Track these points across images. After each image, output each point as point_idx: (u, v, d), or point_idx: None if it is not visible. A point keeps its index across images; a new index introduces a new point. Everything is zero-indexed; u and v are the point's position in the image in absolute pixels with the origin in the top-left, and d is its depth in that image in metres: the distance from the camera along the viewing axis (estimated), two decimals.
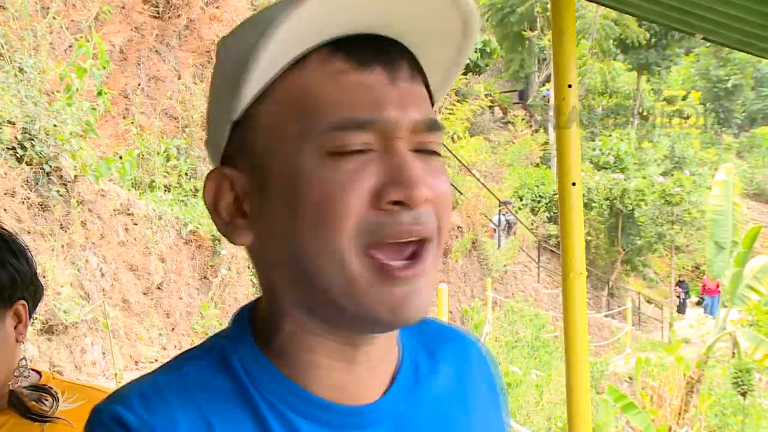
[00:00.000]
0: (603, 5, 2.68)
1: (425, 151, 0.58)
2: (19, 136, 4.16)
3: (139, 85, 6.15)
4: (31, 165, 4.20)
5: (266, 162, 0.59)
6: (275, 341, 0.62)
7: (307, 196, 0.56)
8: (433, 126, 0.59)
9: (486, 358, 0.78)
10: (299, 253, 0.58)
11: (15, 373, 1.16)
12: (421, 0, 0.58)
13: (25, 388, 1.16)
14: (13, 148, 4.13)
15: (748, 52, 2.56)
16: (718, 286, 14.10)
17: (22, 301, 1.18)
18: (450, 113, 14.06)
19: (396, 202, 0.55)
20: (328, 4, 0.54)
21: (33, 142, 4.22)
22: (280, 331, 0.62)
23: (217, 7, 7.22)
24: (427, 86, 0.62)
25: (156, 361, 4.93)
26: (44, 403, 1.15)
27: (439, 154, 0.60)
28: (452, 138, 13.52)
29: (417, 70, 0.60)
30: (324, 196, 0.55)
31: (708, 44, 22.69)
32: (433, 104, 0.65)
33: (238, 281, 6.16)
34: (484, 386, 0.76)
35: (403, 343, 0.69)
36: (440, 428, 0.68)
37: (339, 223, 0.55)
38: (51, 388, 1.19)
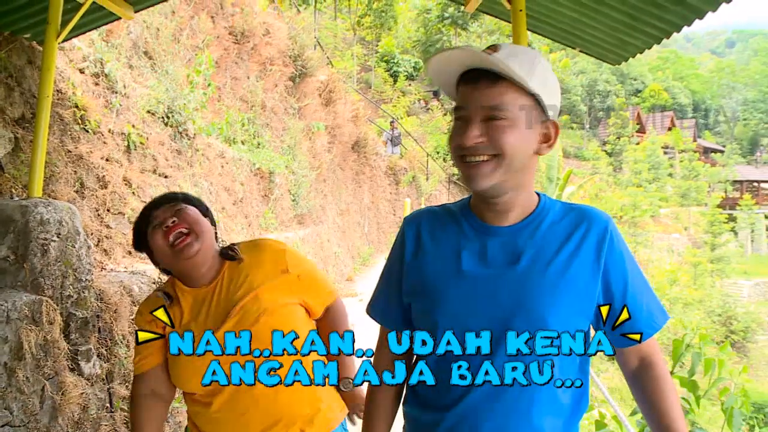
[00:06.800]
0: (540, 35, 3.04)
1: (490, 118, 1.01)
2: (166, 110, 4.91)
3: (226, 82, 7.17)
4: (172, 127, 4.97)
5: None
6: (471, 201, 1.15)
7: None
8: (494, 108, 1.00)
9: (607, 228, 1.08)
10: None
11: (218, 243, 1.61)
12: (479, 61, 1.00)
13: (224, 248, 1.62)
14: (162, 117, 4.87)
15: (604, 60, 3.12)
16: None
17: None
18: (396, 103, 22.40)
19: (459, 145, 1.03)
20: (440, 62, 1.04)
21: (173, 113, 4.97)
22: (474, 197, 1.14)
23: (269, 38, 8.64)
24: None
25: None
26: (234, 252, 1.61)
27: (500, 118, 1.00)
28: (399, 118, 20.24)
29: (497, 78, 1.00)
30: (452, 128, 1.06)
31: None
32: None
33: (282, 198, 7.45)
34: (593, 243, 1.06)
35: (547, 206, 1.10)
36: (535, 249, 1.05)
37: (453, 146, 1.05)
38: (232, 245, 1.63)
